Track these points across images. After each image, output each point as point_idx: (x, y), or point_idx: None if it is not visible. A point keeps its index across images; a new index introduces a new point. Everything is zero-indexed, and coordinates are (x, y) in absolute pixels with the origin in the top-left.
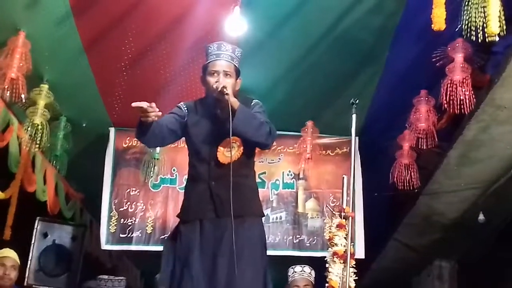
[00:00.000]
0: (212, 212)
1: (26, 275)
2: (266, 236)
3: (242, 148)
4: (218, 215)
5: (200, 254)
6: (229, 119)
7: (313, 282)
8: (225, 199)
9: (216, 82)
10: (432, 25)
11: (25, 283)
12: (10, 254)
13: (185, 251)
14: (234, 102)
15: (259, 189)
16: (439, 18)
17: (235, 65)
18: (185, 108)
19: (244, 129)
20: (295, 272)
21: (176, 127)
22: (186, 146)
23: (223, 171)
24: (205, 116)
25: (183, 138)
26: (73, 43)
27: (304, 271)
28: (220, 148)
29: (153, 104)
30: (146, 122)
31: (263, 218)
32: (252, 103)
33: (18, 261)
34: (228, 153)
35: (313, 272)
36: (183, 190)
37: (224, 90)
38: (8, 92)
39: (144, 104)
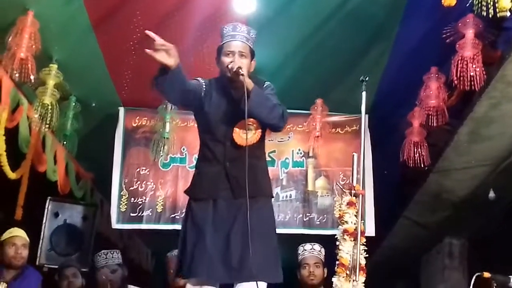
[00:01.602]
0: (228, 191)
1: (38, 254)
2: (276, 215)
3: (259, 130)
4: (234, 196)
5: (214, 232)
6: (243, 100)
7: (323, 260)
8: (241, 180)
9: (231, 62)
10: (443, 1)
11: (36, 263)
12: (20, 233)
13: (197, 229)
14: (249, 83)
15: (269, 167)
16: None
17: (250, 46)
18: (203, 84)
19: (258, 110)
20: (305, 250)
21: (195, 90)
22: (196, 124)
23: (239, 153)
24: (219, 96)
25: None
26: (82, 23)
27: (314, 249)
28: (236, 129)
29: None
30: (166, 69)
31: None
32: (264, 85)
33: (28, 240)
34: (244, 135)
35: (323, 250)
36: (194, 169)
37: (240, 70)
38: (18, 72)
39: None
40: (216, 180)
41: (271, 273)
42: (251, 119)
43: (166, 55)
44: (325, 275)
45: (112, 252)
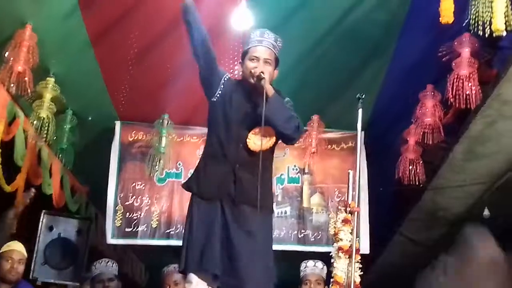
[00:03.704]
0: (232, 195)
1: (32, 268)
2: None
3: (273, 139)
4: (237, 200)
5: (213, 233)
6: (261, 105)
7: (325, 278)
8: (246, 186)
9: (255, 67)
10: (440, 18)
11: (30, 276)
12: (18, 247)
13: (202, 227)
14: (269, 89)
15: None
16: (447, 11)
17: (275, 54)
18: (226, 77)
19: (275, 117)
20: (307, 267)
21: (213, 60)
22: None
23: (250, 158)
24: (239, 97)
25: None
26: (80, 37)
27: (316, 267)
28: (251, 134)
29: None
30: None
31: None
32: (284, 100)
33: (26, 255)
34: (258, 141)
35: (325, 268)
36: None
37: (261, 75)
38: (15, 85)
39: None
40: (224, 181)
41: None
42: (267, 127)
43: None
44: None
45: (111, 262)
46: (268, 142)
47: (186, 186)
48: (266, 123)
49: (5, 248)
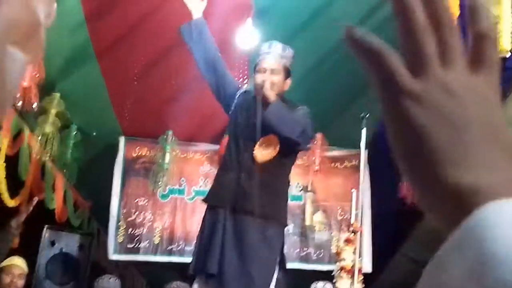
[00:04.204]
0: (234, 204)
1: (33, 283)
2: None
3: (278, 147)
4: (238, 209)
5: (219, 237)
6: (263, 112)
7: None
8: (250, 195)
9: (261, 78)
10: None
11: None
12: (18, 262)
13: (208, 232)
14: (270, 95)
15: None
16: None
17: (284, 64)
18: (240, 91)
19: (274, 122)
20: None
21: (226, 74)
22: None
23: (257, 168)
24: (248, 109)
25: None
26: (86, 53)
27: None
28: (257, 144)
29: None
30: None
31: None
32: (298, 107)
33: (26, 270)
34: (265, 151)
35: None
36: (192, 201)
37: (261, 83)
38: (21, 101)
39: None
40: (230, 189)
41: None
42: (272, 137)
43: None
44: None
45: (114, 278)
46: (273, 152)
47: (203, 198)
48: (268, 129)
49: (6, 262)
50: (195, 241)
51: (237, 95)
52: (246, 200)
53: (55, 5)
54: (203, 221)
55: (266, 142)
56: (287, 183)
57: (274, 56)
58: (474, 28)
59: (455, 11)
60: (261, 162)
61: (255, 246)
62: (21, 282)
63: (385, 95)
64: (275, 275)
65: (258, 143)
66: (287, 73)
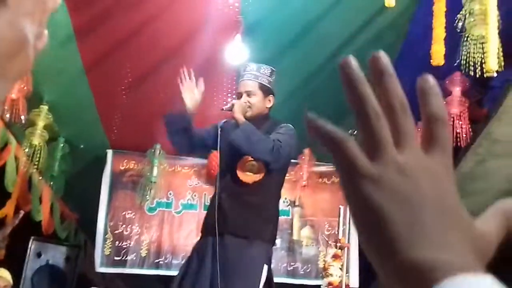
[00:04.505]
0: (217, 226)
1: None
2: None
3: (263, 172)
4: (222, 231)
5: (209, 263)
6: (232, 136)
7: None
8: (231, 217)
9: (237, 104)
10: (431, 61)
11: None
12: (4, 274)
13: (197, 259)
14: (238, 118)
15: None
16: (438, 54)
17: (260, 83)
18: (220, 125)
19: (240, 143)
20: None
21: (202, 139)
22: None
23: (239, 188)
24: (227, 132)
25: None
26: (75, 65)
27: None
28: (239, 168)
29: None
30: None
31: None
32: (281, 125)
33: (11, 282)
34: (249, 173)
35: None
36: (179, 214)
37: (231, 107)
38: (8, 112)
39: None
40: (212, 214)
41: None
42: (251, 158)
43: (193, 97)
44: None
45: None
46: (259, 173)
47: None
48: (238, 151)
49: None
50: (182, 260)
51: (219, 127)
52: (227, 222)
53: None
54: (192, 249)
55: (247, 165)
56: (274, 201)
57: (248, 77)
58: (425, 110)
59: (441, 59)
60: (246, 183)
61: (238, 266)
62: None
63: (345, 179)
64: None
65: (238, 164)
66: (267, 91)
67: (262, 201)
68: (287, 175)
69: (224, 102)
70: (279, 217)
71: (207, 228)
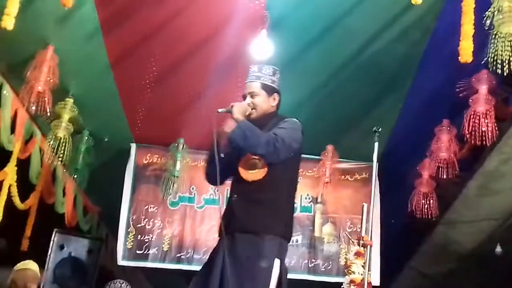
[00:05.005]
0: (229, 225)
1: (41, 286)
2: None
3: (266, 168)
4: (233, 228)
5: (222, 263)
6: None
7: None
8: (239, 216)
9: (246, 103)
10: (459, 57)
11: None
12: (33, 267)
13: (206, 269)
14: (238, 118)
15: None
16: (466, 51)
17: (262, 83)
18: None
19: (237, 141)
20: None
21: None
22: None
23: (244, 188)
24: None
25: None
26: (100, 59)
27: None
28: (241, 166)
29: None
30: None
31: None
32: (285, 120)
33: (39, 275)
34: (251, 172)
35: None
36: (201, 209)
37: (230, 109)
38: (34, 105)
39: None
40: (224, 216)
41: None
42: (254, 156)
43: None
44: None
45: (125, 284)
46: (260, 171)
47: None
48: (237, 149)
49: (20, 266)
50: (203, 255)
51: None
52: (236, 221)
53: None
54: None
55: (250, 162)
56: (286, 196)
57: (251, 79)
58: None
59: (469, 55)
60: (253, 181)
61: (248, 262)
62: (34, 286)
63: None
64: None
65: (240, 165)
66: (270, 90)
67: (271, 196)
68: (309, 171)
69: None
70: (301, 213)
71: (220, 230)
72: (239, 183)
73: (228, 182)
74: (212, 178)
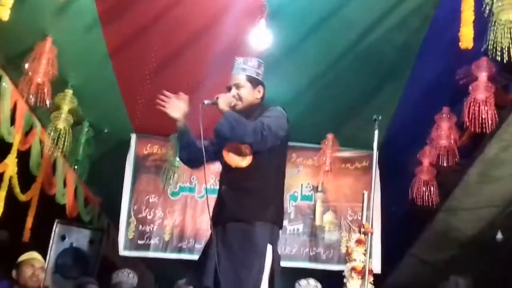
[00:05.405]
0: (220, 214)
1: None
2: (283, 248)
3: (251, 156)
4: (224, 217)
5: (216, 253)
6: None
7: None
8: (229, 205)
9: (230, 95)
10: (460, 44)
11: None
12: (38, 256)
13: (203, 250)
14: (223, 109)
15: None
16: (467, 37)
17: (246, 75)
18: None
19: (223, 131)
20: (301, 286)
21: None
22: None
23: (232, 176)
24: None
25: None
26: (99, 50)
27: (309, 284)
28: (225, 151)
29: None
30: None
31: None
32: (270, 108)
33: (45, 264)
34: (236, 157)
35: (319, 285)
36: (202, 198)
37: (215, 100)
38: (34, 96)
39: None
40: (215, 208)
41: None
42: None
43: (179, 109)
44: None
45: (132, 273)
46: (246, 157)
47: None
48: (224, 138)
49: (25, 256)
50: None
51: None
52: (227, 210)
53: None
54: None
55: (234, 148)
56: (274, 183)
57: (236, 71)
58: None
59: (470, 42)
60: (239, 169)
61: (241, 249)
62: (42, 275)
63: None
64: (266, 275)
65: (224, 149)
66: (255, 82)
67: (259, 184)
68: (310, 160)
69: None
70: (302, 202)
71: (212, 220)
72: (228, 172)
73: (209, 172)
74: (187, 161)
